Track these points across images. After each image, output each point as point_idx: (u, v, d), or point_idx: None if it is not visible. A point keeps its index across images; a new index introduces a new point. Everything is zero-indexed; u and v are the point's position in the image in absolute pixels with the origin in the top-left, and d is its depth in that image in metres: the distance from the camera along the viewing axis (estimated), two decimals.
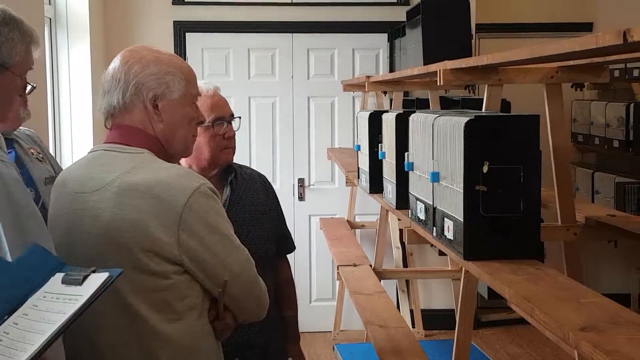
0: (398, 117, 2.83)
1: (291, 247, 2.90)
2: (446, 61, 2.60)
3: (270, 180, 2.91)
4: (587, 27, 6.47)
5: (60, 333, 1.50)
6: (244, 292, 1.97)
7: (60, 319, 1.52)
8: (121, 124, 1.98)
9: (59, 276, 1.63)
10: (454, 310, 5.00)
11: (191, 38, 5.92)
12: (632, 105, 5.22)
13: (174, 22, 5.90)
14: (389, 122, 2.96)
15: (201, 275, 1.89)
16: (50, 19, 4.93)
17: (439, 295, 6.13)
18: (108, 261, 1.83)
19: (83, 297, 1.56)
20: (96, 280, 1.60)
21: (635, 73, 5.13)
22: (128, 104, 1.96)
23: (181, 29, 5.92)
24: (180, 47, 5.88)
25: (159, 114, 1.97)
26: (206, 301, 1.94)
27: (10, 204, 1.65)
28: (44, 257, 1.66)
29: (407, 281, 5.81)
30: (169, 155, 2.02)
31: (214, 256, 1.88)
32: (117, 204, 1.85)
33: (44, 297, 1.59)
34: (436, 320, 5.94)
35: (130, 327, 1.87)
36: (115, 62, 2.00)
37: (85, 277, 1.60)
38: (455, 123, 2.07)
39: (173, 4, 5.89)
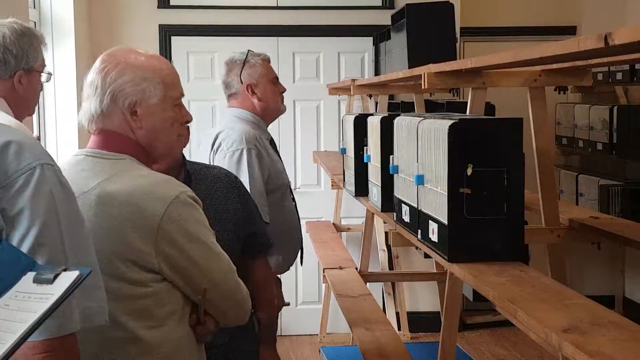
0: (383, 120, 2.84)
1: (264, 246, 2.76)
2: (430, 65, 2.61)
3: None
4: (571, 31, 6.51)
5: (32, 331, 1.51)
6: (224, 298, 1.97)
7: (32, 318, 1.52)
8: (103, 129, 1.96)
9: (30, 275, 1.63)
10: (439, 312, 5.02)
11: (177, 42, 5.92)
12: (615, 108, 5.25)
13: (160, 25, 5.89)
14: (374, 126, 2.97)
15: (181, 283, 1.88)
16: (35, 22, 4.92)
17: (424, 297, 6.14)
18: None
19: (54, 296, 1.56)
20: (67, 278, 1.60)
21: (619, 76, 5.16)
22: (106, 111, 1.94)
23: (167, 33, 5.91)
24: (165, 51, 5.87)
25: (138, 120, 1.94)
26: (187, 307, 1.92)
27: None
28: (15, 256, 1.66)
29: (392, 284, 5.83)
30: (153, 158, 2.01)
31: (193, 264, 1.87)
32: (96, 212, 1.83)
33: (16, 296, 1.59)
34: (422, 322, 5.95)
35: (110, 334, 1.84)
36: (94, 67, 1.98)
37: (56, 276, 1.60)
38: (440, 126, 2.09)
39: (159, 7, 5.88)
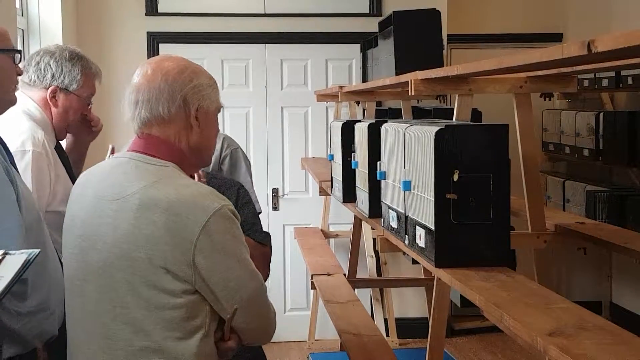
0: (370, 126, 2.85)
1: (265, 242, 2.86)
2: (417, 71, 2.63)
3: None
4: (557, 38, 6.55)
5: None
6: (252, 317, 1.95)
7: None
8: (150, 134, 1.94)
9: None
10: (427, 318, 5.03)
11: (165, 49, 5.91)
12: (601, 114, 5.28)
13: (148, 33, 5.90)
14: (361, 132, 2.98)
15: (211, 297, 1.86)
16: (22, 30, 4.91)
17: (413, 303, 6.15)
18: (120, 273, 1.82)
19: (4, 279, 1.60)
20: (15, 261, 1.65)
21: (605, 83, 5.19)
22: (173, 115, 1.93)
23: (155, 40, 5.91)
24: None
25: (198, 125, 1.96)
26: (214, 322, 1.91)
27: None
28: None
29: (381, 290, 5.84)
30: (192, 165, 2.02)
31: (226, 280, 1.86)
32: (136, 217, 1.82)
33: None
34: (410, 328, 5.96)
35: (136, 344, 1.84)
36: (151, 71, 1.94)
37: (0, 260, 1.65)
38: (426, 132, 2.10)
39: (146, 14, 5.88)
